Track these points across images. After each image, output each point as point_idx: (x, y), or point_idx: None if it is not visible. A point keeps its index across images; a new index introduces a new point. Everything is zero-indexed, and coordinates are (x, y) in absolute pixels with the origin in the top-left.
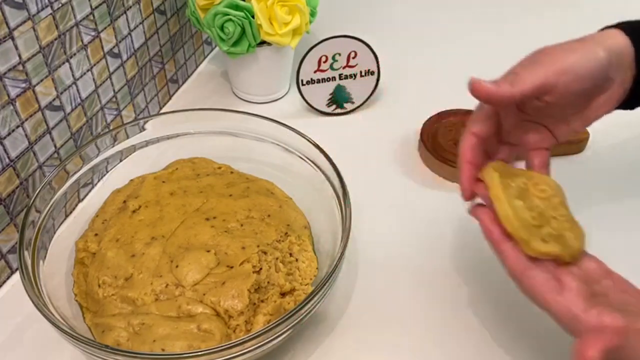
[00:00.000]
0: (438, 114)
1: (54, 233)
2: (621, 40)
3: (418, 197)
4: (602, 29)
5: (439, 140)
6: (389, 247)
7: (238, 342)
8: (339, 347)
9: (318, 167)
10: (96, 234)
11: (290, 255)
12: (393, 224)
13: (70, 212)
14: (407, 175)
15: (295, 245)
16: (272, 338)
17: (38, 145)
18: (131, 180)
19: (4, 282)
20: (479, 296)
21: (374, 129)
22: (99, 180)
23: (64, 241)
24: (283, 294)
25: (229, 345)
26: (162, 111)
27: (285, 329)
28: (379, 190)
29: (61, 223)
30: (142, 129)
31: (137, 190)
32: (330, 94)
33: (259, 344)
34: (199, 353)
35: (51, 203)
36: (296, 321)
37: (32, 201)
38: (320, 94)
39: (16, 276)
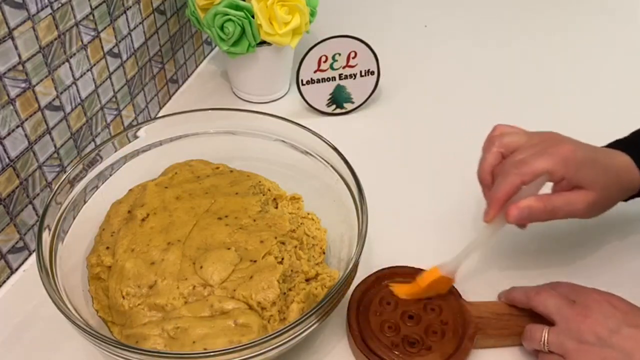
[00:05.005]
0: (377, 272)
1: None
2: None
3: (418, 196)
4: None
5: (369, 319)
6: (390, 246)
7: (286, 328)
8: None
9: (331, 165)
10: (107, 247)
11: (307, 235)
12: (393, 223)
13: (68, 229)
14: (407, 174)
15: (307, 220)
16: (315, 321)
17: (38, 145)
18: (130, 190)
19: (4, 282)
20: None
21: (374, 129)
22: (90, 197)
23: (67, 260)
24: (308, 280)
25: (278, 333)
26: (162, 112)
27: (324, 312)
28: (379, 190)
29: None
30: (135, 137)
31: (141, 199)
32: (330, 94)
33: (308, 326)
34: (242, 347)
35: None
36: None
37: (41, 217)
38: (320, 94)
39: (16, 276)
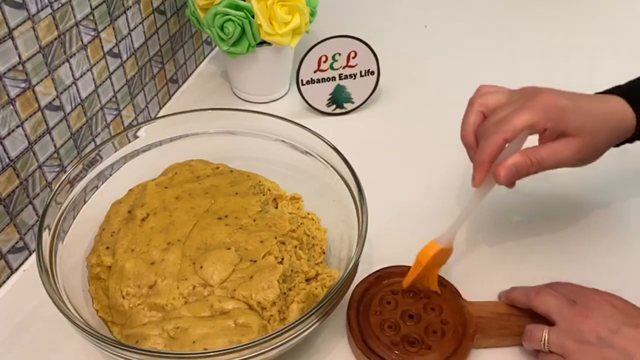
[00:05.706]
0: (377, 272)
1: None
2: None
3: (418, 196)
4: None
5: (369, 319)
6: (390, 246)
7: (286, 328)
8: None
9: (331, 165)
10: (107, 247)
11: (307, 235)
12: (393, 223)
13: (67, 230)
14: (407, 174)
15: (307, 220)
16: (316, 321)
17: (38, 145)
18: (130, 190)
19: (4, 282)
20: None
21: (374, 129)
22: (90, 197)
23: (67, 260)
24: (308, 280)
25: (278, 333)
26: (162, 112)
27: (324, 311)
28: (379, 190)
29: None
30: (135, 136)
31: (141, 199)
32: (330, 94)
33: (308, 326)
34: (242, 347)
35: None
36: (333, 301)
37: (41, 218)
38: (320, 94)
39: (16, 276)
